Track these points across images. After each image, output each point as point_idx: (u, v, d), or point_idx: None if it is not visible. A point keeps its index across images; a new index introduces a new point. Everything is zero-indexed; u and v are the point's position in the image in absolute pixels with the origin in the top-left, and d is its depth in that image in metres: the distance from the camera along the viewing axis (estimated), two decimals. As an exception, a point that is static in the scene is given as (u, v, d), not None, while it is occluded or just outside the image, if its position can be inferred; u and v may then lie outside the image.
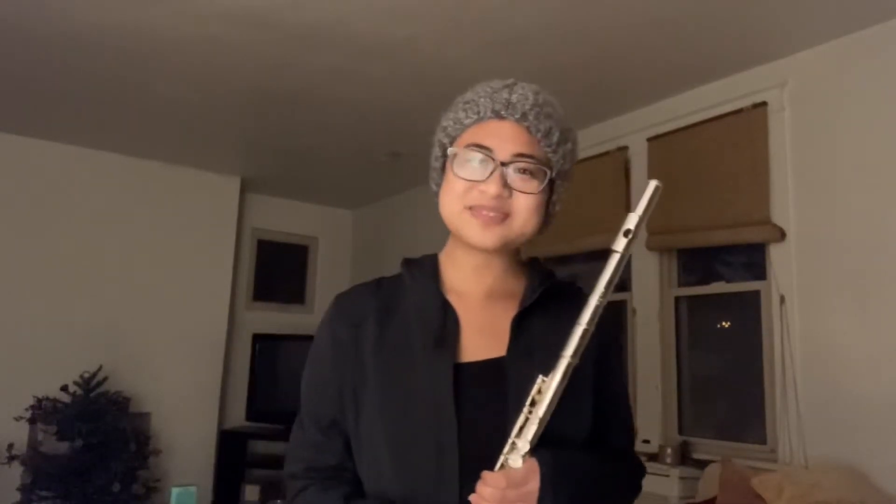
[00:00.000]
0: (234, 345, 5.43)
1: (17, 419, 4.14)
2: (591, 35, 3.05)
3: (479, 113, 0.96)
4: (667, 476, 3.19)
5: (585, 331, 0.84)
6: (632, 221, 0.85)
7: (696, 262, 3.70)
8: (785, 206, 3.09)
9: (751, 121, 3.23)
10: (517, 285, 1.02)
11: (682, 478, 3.15)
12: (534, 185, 0.94)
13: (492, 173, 0.92)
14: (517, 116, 0.94)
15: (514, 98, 0.95)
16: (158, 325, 4.91)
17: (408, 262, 1.06)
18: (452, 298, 0.99)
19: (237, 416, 5.35)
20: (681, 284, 3.69)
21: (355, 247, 6.33)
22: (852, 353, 2.80)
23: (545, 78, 3.46)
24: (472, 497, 0.84)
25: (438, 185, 1.01)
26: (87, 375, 4.33)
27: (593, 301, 0.84)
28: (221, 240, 5.42)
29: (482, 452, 0.86)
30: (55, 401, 4.24)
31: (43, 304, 4.56)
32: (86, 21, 3.06)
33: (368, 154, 4.77)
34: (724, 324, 3.63)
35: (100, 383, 4.36)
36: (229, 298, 5.35)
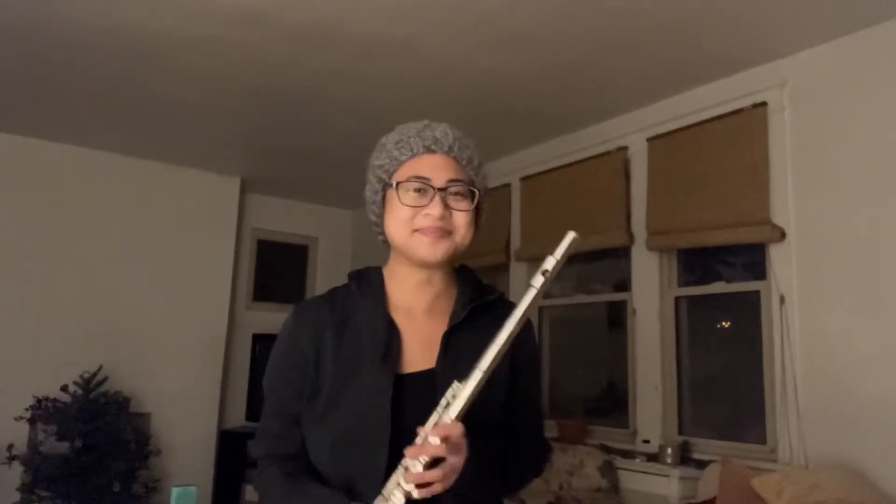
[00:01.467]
0: (234, 345, 5.43)
1: (17, 419, 4.14)
2: (590, 35, 3.05)
3: (412, 150, 1.13)
4: (667, 476, 3.19)
5: (500, 350, 0.97)
6: (549, 263, 0.98)
7: (696, 262, 3.70)
8: (785, 206, 3.09)
9: (751, 121, 3.23)
10: (452, 299, 1.18)
11: (682, 478, 3.15)
12: (466, 204, 1.12)
13: (433, 199, 1.09)
14: (445, 149, 1.13)
15: (438, 135, 1.13)
16: (158, 325, 4.91)
17: (357, 276, 1.20)
18: (397, 316, 1.14)
19: (237, 416, 5.36)
20: (681, 284, 3.69)
21: (355, 247, 6.34)
22: (852, 353, 2.80)
23: (545, 78, 3.48)
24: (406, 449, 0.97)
25: (378, 216, 1.18)
26: (87, 375, 4.33)
27: (509, 326, 0.97)
28: (221, 240, 5.42)
29: (407, 440, 1.01)
30: (55, 401, 4.24)
31: (43, 304, 4.56)
32: (86, 21, 3.06)
33: (368, 154, 4.74)
34: (724, 324, 3.63)
35: (100, 383, 4.36)
36: (229, 298, 5.35)
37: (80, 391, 4.28)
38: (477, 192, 1.14)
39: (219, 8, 2.92)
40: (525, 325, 1.05)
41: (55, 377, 4.28)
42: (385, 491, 0.96)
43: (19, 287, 4.52)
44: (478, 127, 4.14)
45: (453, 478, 0.95)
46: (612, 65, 3.33)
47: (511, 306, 1.04)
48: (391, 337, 1.11)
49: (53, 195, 4.71)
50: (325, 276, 6.12)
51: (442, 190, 1.09)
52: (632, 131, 3.83)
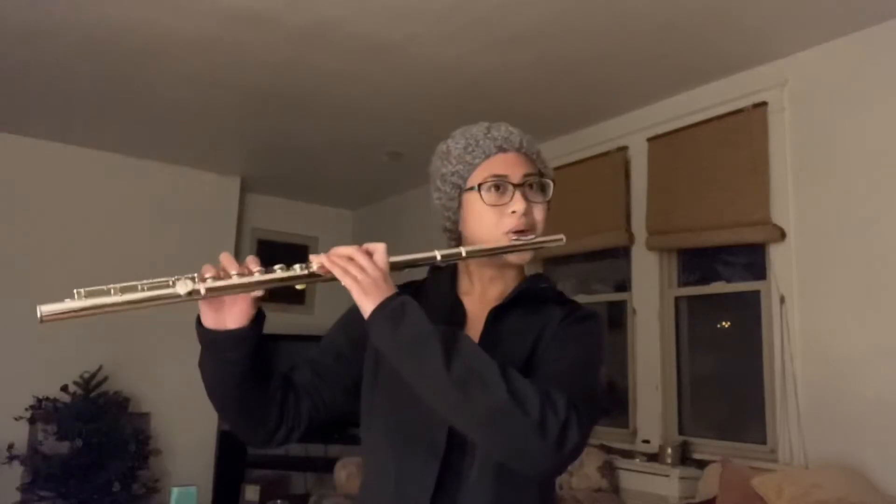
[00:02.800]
0: (234, 345, 5.43)
1: (17, 419, 4.14)
2: (590, 35, 3.05)
3: (484, 152, 1.13)
4: (667, 476, 3.19)
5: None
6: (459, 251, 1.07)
7: (696, 262, 3.70)
8: (785, 206, 3.09)
9: (751, 121, 3.23)
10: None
11: (682, 478, 3.15)
12: (542, 197, 1.14)
13: (513, 196, 1.10)
14: (516, 146, 1.15)
15: (505, 133, 1.15)
16: (158, 325, 4.90)
17: (433, 268, 1.21)
18: (465, 300, 1.16)
19: (237, 416, 5.35)
20: (681, 284, 3.69)
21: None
22: (852, 353, 2.80)
23: (545, 78, 3.49)
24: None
25: (454, 222, 1.17)
26: (87, 375, 4.33)
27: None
28: (221, 240, 5.42)
29: (462, 441, 1.01)
30: (55, 401, 4.24)
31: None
32: (86, 21, 3.06)
33: (368, 154, 4.77)
34: (724, 324, 3.63)
35: (100, 383, 4.37)
36: (229, 298, 5.34)
37: (80, 391, 4.29)
38: (550, 184, 1.16)
39: (219, 8, 2.92)
40: (565, 313, 1.10)
41: (55, 377, 4.28)
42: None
43: (19, 287, 4.52)
44: (478, 127, 4.16)
45: (352, 270, 0.96)
46: (612, 65, 3.33)
47: (564, 299, 1.14)
48: (454, 314, 1.13)
49: (53, 195, 4.71)
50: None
51: (520, 185, 1.11)
52: (632, 131, 3.83)
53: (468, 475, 1.01)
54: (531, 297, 1.14)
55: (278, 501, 4.27)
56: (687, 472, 3.18)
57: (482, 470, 1.01)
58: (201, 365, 1.09)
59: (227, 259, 1.00)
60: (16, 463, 4.05)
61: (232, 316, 1.03)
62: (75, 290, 0.90)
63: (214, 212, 5.40)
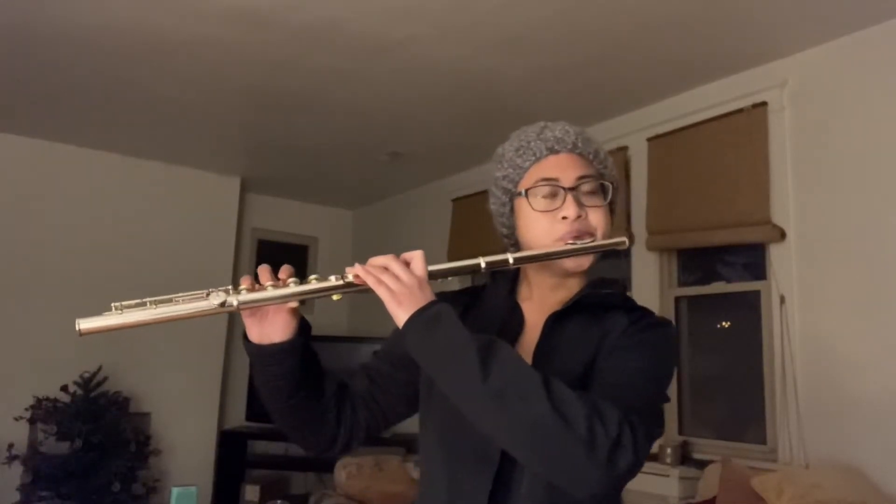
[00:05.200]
0: (234, 345, 5.42)
1: (17, 419, 4.14)
2: (590, 35, 3.05)
3: (535, 154, 1.08)
4: (667, 476, 3.19)
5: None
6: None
7: (696, 262, 3.70)
8: (785, 206, 3.09)
9: (751, 121, 3.23)
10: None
11: (682, 478, 3.15)
12: (600, 200, 1.07)
13: (564, 200, 1.04)
14: (569, 147, 1.08)
15: (558, 133, 1.09)
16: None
17: (493, 274, 1.16)
18: (524, 305, 1.12)
19: (237, 416, 5.36)
20: (681, 284, 3.69)
21: (355, 247, 6.33)
22: (852, 353, 2.80)
23: (545, 78, 3.48)
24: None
25: (509, 228, 1.12)
26: (87, 375, 4.33)
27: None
28: (221, 240, 5.42)
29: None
30: (55, 401, 4.24)
31: (43, 304, 4.56)
32: (86, 21, 3.06)
33: (368, 154, 4.77)
34: (724, 324, 3.63)
35: (100, 383, 4.36)
36: (229, 298, 5.34)
37: (80, 391, 4.28)
38: (610, 186, 1.09)
39: (219, 8, 2.92)
40: (630, 321, 1.02)
41: (55, 377, 4.28)
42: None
43: (19, 287, 4.52)
44: (477, 127, 4.17)
45: (387, 279, 0.93)
46: (611, 65, 3.33)
47: (632, 305, 1.07)
48: (511, 320, 1.09)
49: (53, 195, 4.71)
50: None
51: (572, 189, 1.04)
52: (632, 131, 3.83)
53: (519, 488, 0.97)
54: (594, 304, 1.06)
55: (278, 501, 4.26)
56: (687, 472, 3.18)
57: (533, 482, 0.96)
58: (254, 379, 1.07)
59: (263, 271, 0.98)
60: (16, 463, 4.05)
61: (275, 328, 1.00)
62: (112, 305, 0.91)
63: (214, 212, 5.40)
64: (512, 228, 1.11)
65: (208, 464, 5.10)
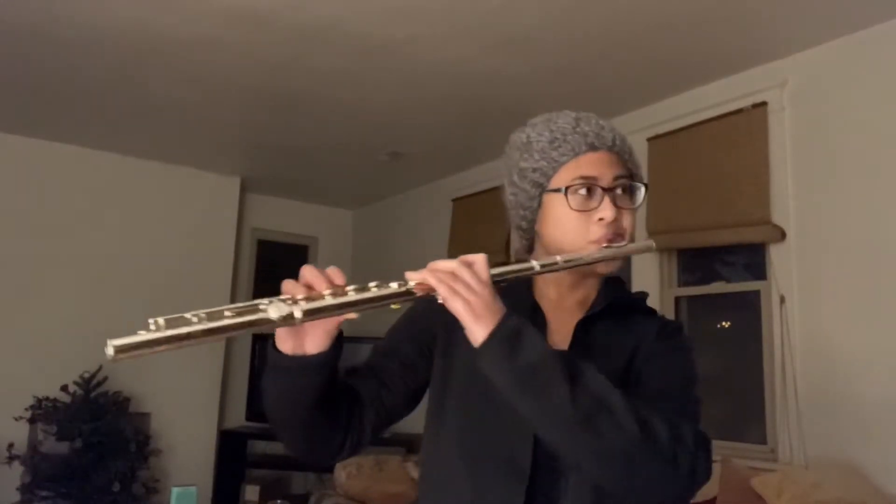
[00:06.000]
0: (234, 345, 5.43)
1: (17, 419, 4.14)
2: (590, 35, 3.05)
3: (573, 149, 1.02)
4: (667, 476, 3.19)
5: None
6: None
7: (696, 262, 3.70)
8: (785, 206, 3.09)
9: (751, 121, 3.23)
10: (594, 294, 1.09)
11: (682, 478, 3.15)
12: (631, 201, 1.04)
13: (601, 201, 0.99)
14: (608, 145, 1.03)
15: (596, 129, 1.04)
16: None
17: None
18: (542, 304, 1.06)
19: (237, 416, 5.35)
20: (681, 284, 3.69)
21: (355, 247, 6.33)
22: (852, 353, 2.80)
23: (545, 78, 3.48)
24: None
25: (530, 221, 1.06)
26: (87, 375, 4.33)
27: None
28: (221, 240, 5.42)
29: (550, 460, 0.92)
30: (55, 401, 4.24)
31: (43, 304, 4.56)
32: (85, 21, 3.06)
33: (368, 154, 4.77)
34: (724, 324, 3.63)
35: (100, 383, 4.36)
36: (229, 298, 5.34)
37: (80, 391, 4.28)
38: (643, 188, 1.05)
39: (219, 8, 2.92)
40: (660, 327, 1.03)
41: (55, 377, 4.28)
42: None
43: (19, 287, 4.52)
44: (477, 128, 4.16)
45: (461, 290, 0.83)
46: (611, 65, 3.33)
47: (649, 310, 1.06)
48: (534, 321, 0.99)
49: (53, 195, 4.71)
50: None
51: (609, 190, 1.00)
52: (632, 131, 3.80)
53: (562, 501, 0.93)
54: (619, 308, 1.05)
55: (278, 501, 4.25)
56: (687, 472, 3.18)
57: (578, 495, 0.92)
58: (266, 388, 0.96)
59: (312, 274, 0.85)
60: (16, 463, 4.05)
61: (313, 339, 0.89)
62: (151, 321, 0.77)
63: (214, 212, 5.40)
64: (533, 222, 1.05)
65: (208, 464, 5.10)
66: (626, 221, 1.02)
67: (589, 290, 1.07)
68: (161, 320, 0.76)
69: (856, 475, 2.64)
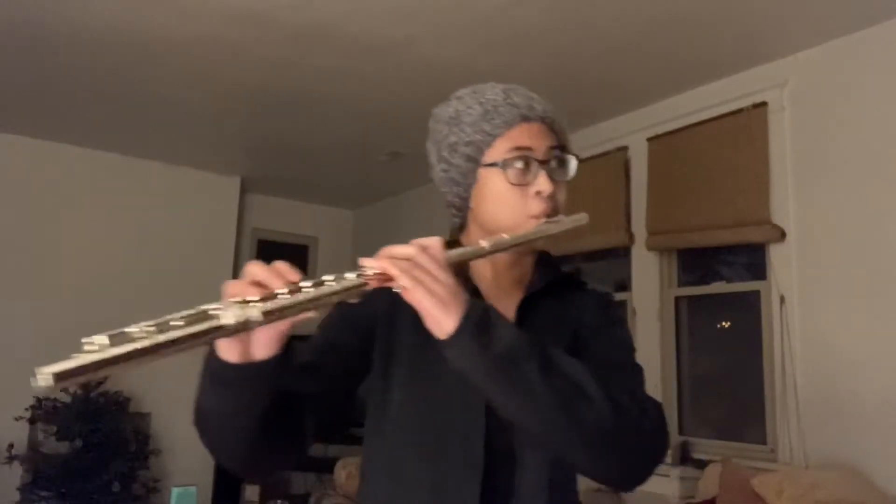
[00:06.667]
0: (234, 345, 5.43)
1: (17, 419, 4.14)
2: (590, 35, 3.05)
3: (506, 121, 0.98)
4: (667, 476, 3.19)
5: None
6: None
7: (696, 262, 3.70)
8: (785, 206, 3.09)
9: (751, 121, 3.23)
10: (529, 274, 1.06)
11: (682, 478, 3.15)
12: (564, 175, 1.01)
13: (537, 174, 0.96)
14: (541, 116, 1.00)
15: (527, 101, 1.00)
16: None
17: None
18: (481, 286, 1.02)
19: (237, 416, 5.35)
20: (681, 284, 3.69)
21: (355, 247, 6.33)
22: (852, 353, 2.80)
23: (545, 78, 3.48)
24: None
25: (464, 199, 1.02)
26: (87, 375, 4.32)
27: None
28: (221, 240, 5.42)
29: (505, 436, 0.91)
30: (55, 401, 4.24)
31: (43, 304, 4.56)
32: (86, 21, 3.05)
33: (368, 154, 4.77)
34: (724, 324, 3.62)
35: (100, 383, 4.36)
36: (229, 298, 5.35)
37: (80, 391, 4.28)
38: (575, 160, 1.01)
39: (219, 8, 2.92)
40: (598, 300, 1.03)
41: (55, 377, 4.28)
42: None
43: (19, 287, 4.52)
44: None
45: (423, 278, 0.76)
46: (611, 65, 3.33)
47: (583, 283, 1.06)
48: None
49: (53, 195, 4.71)
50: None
51: (545, 162, 0.97)
52: (632, 131, 3.83)
53: (518, 496, 0.91)
54: (555, 284, 1.03)
55: (278, 501, 4.26)
56: (687, 472, 3.18)
57: (534, 489, 0.91)
58: (202, 404, 0.88)
59: (262, 271, 0.76)
60: (16, 463, 4.05)
61: (261, 343, 0.79)
62: (84, 340, 0.66)
63: (214, 212, 5.40)
64: (468, 199, 1.01)
65: (208, 464, 5.08)
66: (561, 195, 1.00)
67: (525, 268, 1.04)
68: (104, 338, 0.65)
69: (856, 475, 2.64)
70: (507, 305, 0.98)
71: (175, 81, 3.68)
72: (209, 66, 3.48)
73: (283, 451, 0.90)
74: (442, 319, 0.77)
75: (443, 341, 0.77)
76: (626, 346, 1.00)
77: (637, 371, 0.97)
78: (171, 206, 5.17)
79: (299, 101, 3.90)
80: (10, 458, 4.03)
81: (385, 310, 0.98)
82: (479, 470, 0.90)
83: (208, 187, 5.36)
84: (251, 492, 4.95)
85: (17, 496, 4.04)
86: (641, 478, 0.87)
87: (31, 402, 4.21)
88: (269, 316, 0.71)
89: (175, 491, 1.97)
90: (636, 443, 0.83)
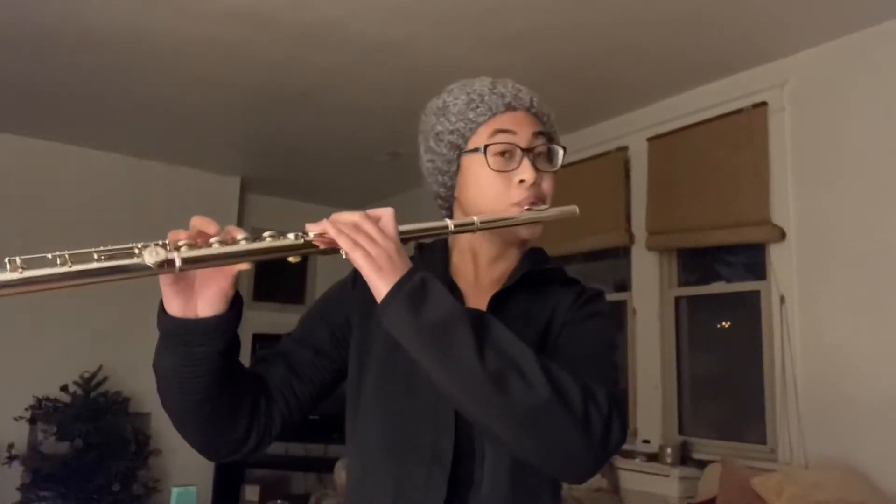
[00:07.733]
0: (234, 345, 5.43)
1: (17, 419, 4.14)
2: (590, 35, 3.05)
3: (490, 109, 0.98)
4: (667, 476, 3.19)
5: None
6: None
7: (696, 262, 3.70)
8: (785, 206, 3.09)
9: (751, 121, 3.23)
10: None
11: (682, 478, 3.15)
12: (550, 165, 1.00)
13: (520, 162, 0.95)
14: (527, 105, 1.00)
15: (514, 91, 1.00)
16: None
17: (420, 247, 1.07)
18: (460, 283, 1.01)
19: (237, 416, 5.35)
20: (681, 284, 3.69)
21: (355, 247, 6.33)
22: (852, 353, 2.80)
23: (545, 78, 3.48)
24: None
25: (449, 188, 1.02)
26: (87, 375, 4.33)
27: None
28: (221, 240, 5.42)
29: (470, 427, 0.89)
30: (55, 401, 4.24)
31: (43, 305, 4.55)
32: (86, 22, 3.06)
33: (368, 154, 4.77)
34: (724, 324, 3.62)
35: (100, 383, 4.37)
36: (229, 298, 5.35)
37: (80, 391, 4.29)
38: (561, 151, 1.00)
39: (218, 8, 2.92)
40: (576, 294, 0.99)
41: (55, 377, 4.28)
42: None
43: (19, 287, 4.52)
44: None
45: (363, 241, 0.79)
46: (611, 65, 3.33)
47: (567, 278, 1.02)
48: None
49: (53, 195, 4.71)
50: (325, 276, 6.12)
51: (528, 151, 0.96)
52: (632, 131, 3.83)
53: (479, 487, 0.89)
54: (535, 279, 1.00)
55: (278, 501, 4.26)
56: (687, 472, 3.18)
57: (495, 479, 0.89)
58: (158, 363, 0.90)
59: (203, 222, 0.81)
60: (16, 463, 4.05)
61: (205, 300, 0.84)
62: (7, 260, 0.67)
63: (214, 212, 5.22)
64: (452, 188, 1.02)
65: (208, 464, 5.09)
66: (547, 185, 0.98)
67: (510, 264, 1.02)
68: (18, 259, 0.67)
69: (856, 475, 2.64)
70: (482, 301, 0.97)
71: (175, 81, 3.68)
72: (209, 66, 3.48)
73: (244, 431, 0.91)
74: (377, 283, 0.79)
75: (378, 306, 0.79)
76: (595, 340, 0.95)
77: (600, 363, 0.92)
78: (171, 206, 5.16)
79: (299, 101, 3.90)
80: (10, 458, 4.03)
81: (363, 307, 0.98)
82: (445, 467, 0.89)
83: (208, 187, 5.36)
84: (251, 492, 4.95)
85: (17, 496, 4.04)
86: (583, 468, 0.81)
87: (31, 402, 4.21)
88: (191, 262, 0.73)
89: (175, 491, 1.97)
90: (570, 428, 0.78)
